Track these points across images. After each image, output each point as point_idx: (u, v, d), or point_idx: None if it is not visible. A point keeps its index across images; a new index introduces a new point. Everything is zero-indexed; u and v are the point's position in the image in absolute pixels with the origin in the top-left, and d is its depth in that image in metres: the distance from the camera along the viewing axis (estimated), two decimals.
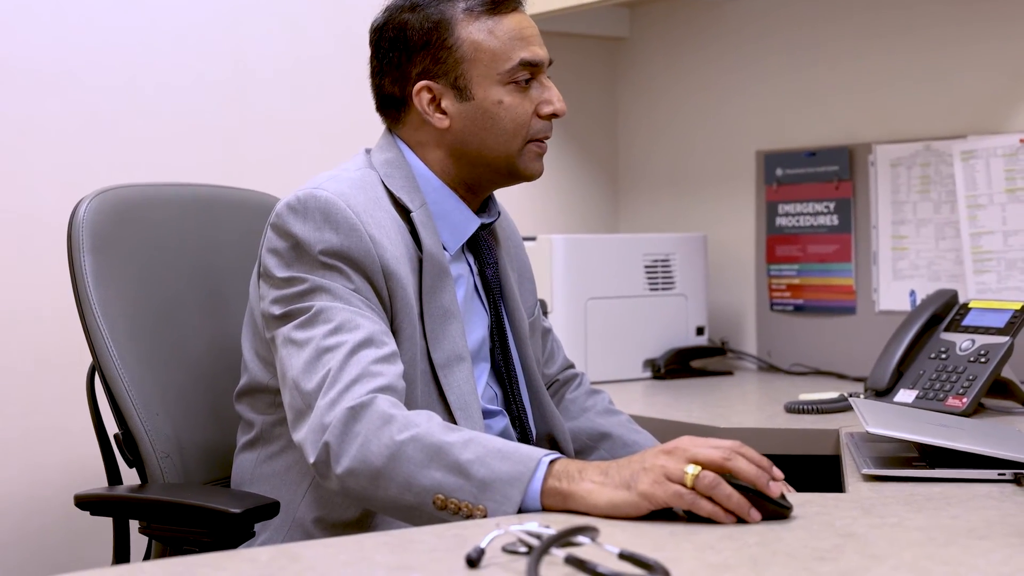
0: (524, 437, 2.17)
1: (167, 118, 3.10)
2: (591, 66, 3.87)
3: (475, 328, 2.13)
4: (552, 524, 1.44)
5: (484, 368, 2.15)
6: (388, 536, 1.58)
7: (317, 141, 3.29)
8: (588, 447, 2.35)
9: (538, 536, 1.40)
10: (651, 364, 3.29)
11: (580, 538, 1.39)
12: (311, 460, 1.80)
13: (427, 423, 1.76)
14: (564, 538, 1.37)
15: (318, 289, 1.92)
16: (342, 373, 1.83)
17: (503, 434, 2.13)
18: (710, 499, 1.58)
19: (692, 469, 1.59)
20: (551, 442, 2.23)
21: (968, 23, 3.06)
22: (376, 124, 2.19)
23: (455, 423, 1.99)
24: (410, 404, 1.94)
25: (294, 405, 1.87)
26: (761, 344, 3.46)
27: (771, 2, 3.49)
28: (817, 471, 2.42)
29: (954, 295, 2.73)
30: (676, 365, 3.31)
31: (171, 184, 2.44)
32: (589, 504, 1.63)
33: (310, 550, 1.53)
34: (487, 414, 2.11)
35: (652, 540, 1.51)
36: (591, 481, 1.64)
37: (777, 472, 1.63)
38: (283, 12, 3.28)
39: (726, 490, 1.57)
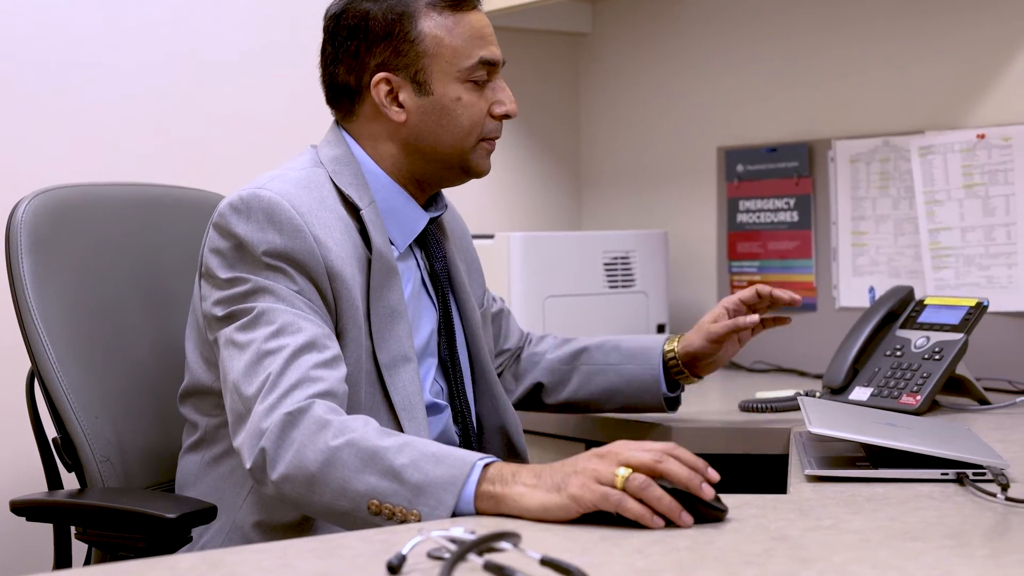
0: (466, 431, 2.17)
1: (116, 117, 3.06)
2: (553, 62, 3.84)
3: (424, 323, 2.13)
4: (481, 529, 1.41)
5: (432, 363, 2.14)
6: (315, 542, 1.56)
7: (271, 138, 3.26)
8: (568, 371, 2.44)
9: (461, 542, 1.37)
10: None
11: (503, 544, 1.37)
12: (248, 466, 1.79)
13: (363, 428, 1.74)
14: (483, 544, 1.34)
15: (261, 290, 1.90)
16: (281, 378, 1.81)
17: (445, 429, 2.13)
18: (641, 501, 1.55)
19: (623, 471, 1.57)
20: (503, 434, 2.23)
21: (926, 18, 3.04)
22: (327, 120, 2.17)
23: (399, 424, 1.99)
24: (354, 405, 1.94)
25: (234, 409, 1.85)
26: None
27: None
28: (769, 471, 2.39)
29: (910, 292, 2.71)
30: None
31: (114, 184, 2.41)
32: (521, 507, 1.61)
33: (233, 556, 1.50)
34: (432, 408, 2.10)
35: (581, 544, 1.49)
36: (523, 484, 1.63)
37: (712, 474, 1.61)
38: (237, 8, 3.24)
39: (656, 492, 1.55)
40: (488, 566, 1.31)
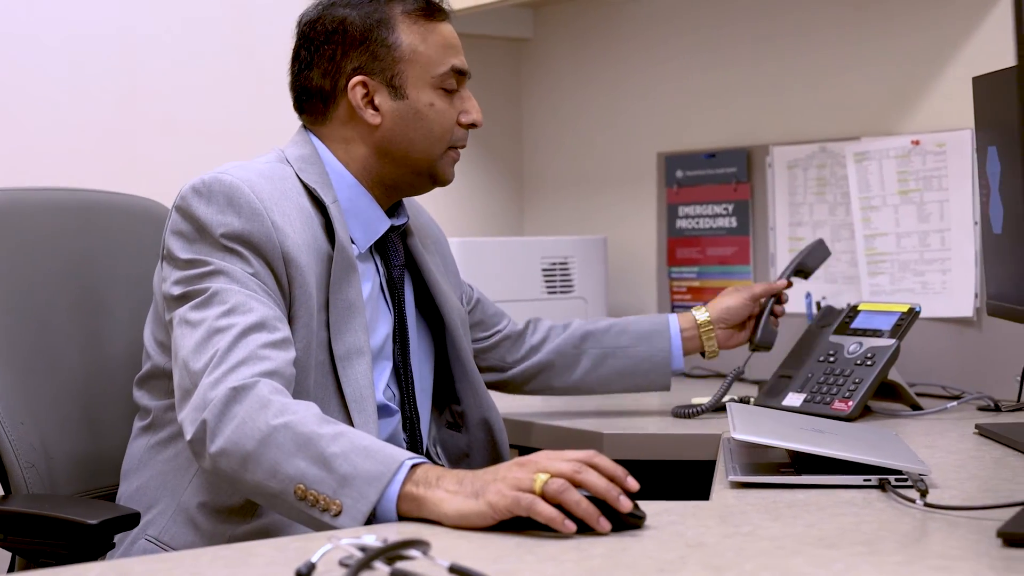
0: (413, 439, 2.19)
1: (47, 121, 3.04)
2: (495, 68, 3.84)
3: (380, 327, 2.15)
4: (396, 537, 1.40)
5: (386, 367, 2.16)
6: (228, 550, 1.55)
7: (209, 145, 3.24)
8: (577, 354, 2.57)
9: (371, 550, 1.36)
10: None
11: (411, 552, 1.35)
12: (188, 437, 1.81)
13: (304, 412, 1.76)
14: (390, 552, 1.33)
15: (217, 272, 1.94)
16: (229, 354, 1.84)
17: (393, 434, 2.15)
18: (561, 507, 1.54)
19: (542, 476, 1.56)
20: (485, 427, 2.28)
21: (862, 26, 3.05)
22: (273, 130, 2.23)
23: (349, 416, 2.02)
24: (303, 392, 1.97)
25: (182, 384, 1.88)
26: None
27: (672, 4, 3.47)
28: (701, 477, 2.39)
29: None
30: None
31: (45, 189, 2.39)
32: (439, 512, 1.61)
33: (141, 565, 1.49)
34: (383, 411, 2.12)
35: (494, 552, 1.48)
36: (445, 489, 1.63)
37: (631, 483, 1.60)
38: (174, 11, 3.22)
39: (574, 496, 1.54)
40: (395, 574, 1.30)
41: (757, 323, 2.60)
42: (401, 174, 2.16)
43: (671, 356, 2.56)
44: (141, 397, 2.15)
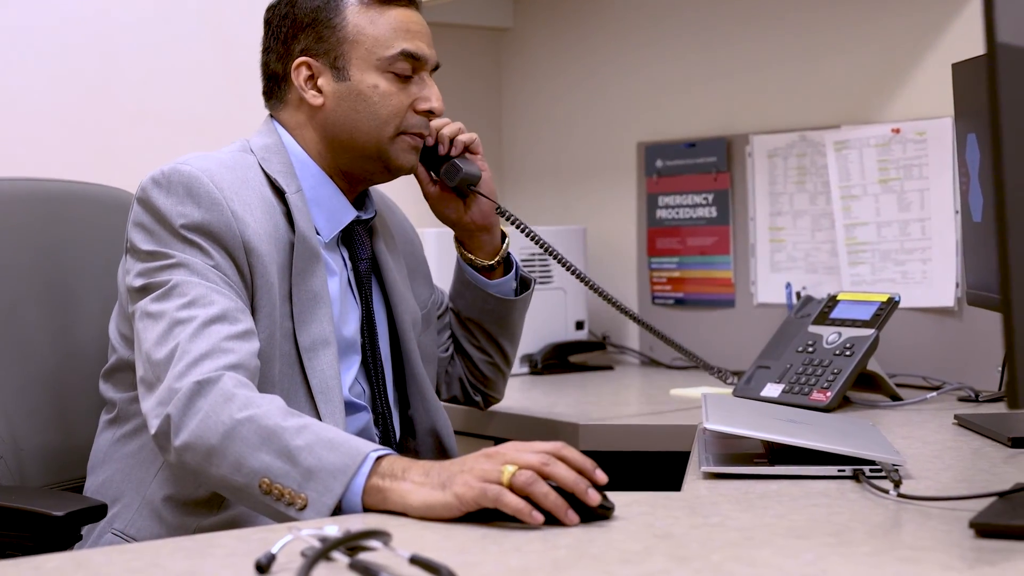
0: (387, 435, 2.17)
1: (16, 110, 3.00)
2: (475, 57, 3.81)
3: (348, 322, 2.13)
4: (357, 528, 1.37)
5: (355, 361, 2.14)
6: (190, 541, 1.53)
7: (179, 135, 3.20)
8: (459, 299, 2.43)
9: (329, 541, 1.33)
10: (528, 359, 3.23)
11: (372, 542, 1.33)
12: (152, 431, 1.80)
13: (267, 405, 1.75)
14: (350, 542, 1.30)
15: (177, 264, 1.93)
16: (191, 346, 1.83)
17: (364, 430, 2.13)
18: (529, 498, 1.52)
19: (510, 468, 1.54)
20: (434, 436, 2.24)
21: (841, 13, 3.03)
22: (247, 120, 2.21)
23: (316, 408, 2.00)
24: (268, 384, 1.96)
25: (145, 377, 1.87)
26: (643, 338, 3.41)
27: None
28: (678, 468, 2.37)
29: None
30: (554, 360, 3.26)
31: (14, 179, 2.36)
32: (405, 504, 1.59)
33: (100, 556, 1.46)
34: (351, 408, 2.10)
35: (459, 543, 1.46)
36: (411, 481, 1.61)
37: (600, 476, 1.58)
38: (151, 2, 3.19)
39: (542, 488, 1.52)
40: (354, 565, 1.27)
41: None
42: (352, 159, 2.12)
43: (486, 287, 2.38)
44: (107, 390, 2.14)
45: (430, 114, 2.15)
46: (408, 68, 2.11)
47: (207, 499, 1.97)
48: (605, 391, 3.00)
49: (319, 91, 2.10)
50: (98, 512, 1.93)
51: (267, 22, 2.17)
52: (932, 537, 1.45)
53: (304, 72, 2.10)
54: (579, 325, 3.37)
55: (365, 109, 2.10)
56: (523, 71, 3.81)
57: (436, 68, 2.17)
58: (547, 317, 3.26)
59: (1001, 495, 1.55)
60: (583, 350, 3.34)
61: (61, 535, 1.91)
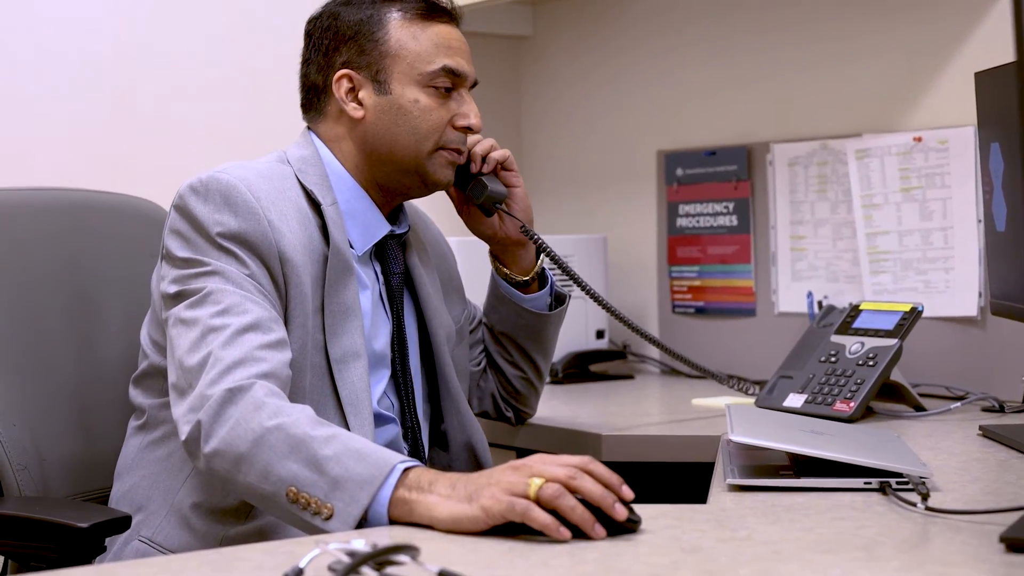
0: (416, 449, 2.17)
1: (39, 120, 3.01)
2: (495, 65, 3.81)
3: (379, 335, 2.14)
4: (387, 541, 1.37)
5: (384, 375, 2.14)
6: (216, 554, 1.53)
7: (202, 146, 3.21)
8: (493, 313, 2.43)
9: (358, 556, 1.33)
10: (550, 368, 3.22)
11: (400, 557, 1.33)
12: (183, 437, 1.81)
13: (297, 414, 1.75)
14: (378, 557, 1.30)
15: (213, 272, 1.94)
16: (224, 354, 1.84)
17: (393, 442, 2.13)
18: (556, 512, 1.52)
19: (537, 481, 1.54)
20: (469, 450, 2.25)
21: (863, 21, 3.02)
22: (267, 130, 2.15)
23: (345, 419, 2.00)
24: (299, 394, 1.96)
25: (177, 383, 1.88)
26: None
27: (670, 2, 3.44)
28: (701, 479, 2.36)
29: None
30: (575, 369, 3.25)
31: (36, 188, 2.37)
32: (432, 517, 1.59)
33: (127, 570, 1.46)
34: (380, 420, 2.10)
35: (486, 557, 1.45)
36: (437, 494, 1.61)
37: (626, 491, 1.57)
38: (170, 9, 3.19)
39: (570, 501, 1.52)
40: None
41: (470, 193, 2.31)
42: (389, 173, 2.13)
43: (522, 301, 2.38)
44: (136, 396, 2.14)
45: (468, 130, 2.16)
46: (448, 83, 2.13)
47: (235, 508, 1.97)
48: (626, 401, 3.00)
49: (360, 104, 2.11)
50: (122, 523, 1.93)
51: (308, 34, 2.19)
52: (962, 552, 1.44)
53: (345, 84, 2.11)
54: (599, 334, 3.37)
55: (405, 123, 2.11)
56: (543, 79, 3.81)
57: (474, 85, 2.19)
58: (568, 326, 3.20)
59: None
60: (603, 359, 3.34)
61: (85, 546, 1.91)
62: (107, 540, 1.98)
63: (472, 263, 2.62)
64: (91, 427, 2.25)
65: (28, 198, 2.31)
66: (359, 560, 1.28)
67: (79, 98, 3.07)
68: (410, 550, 1.33)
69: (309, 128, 2.19)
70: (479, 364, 2.46)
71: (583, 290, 2.39)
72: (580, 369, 3.27)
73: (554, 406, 2.79)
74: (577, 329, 3.29)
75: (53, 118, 3.03)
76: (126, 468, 2.12)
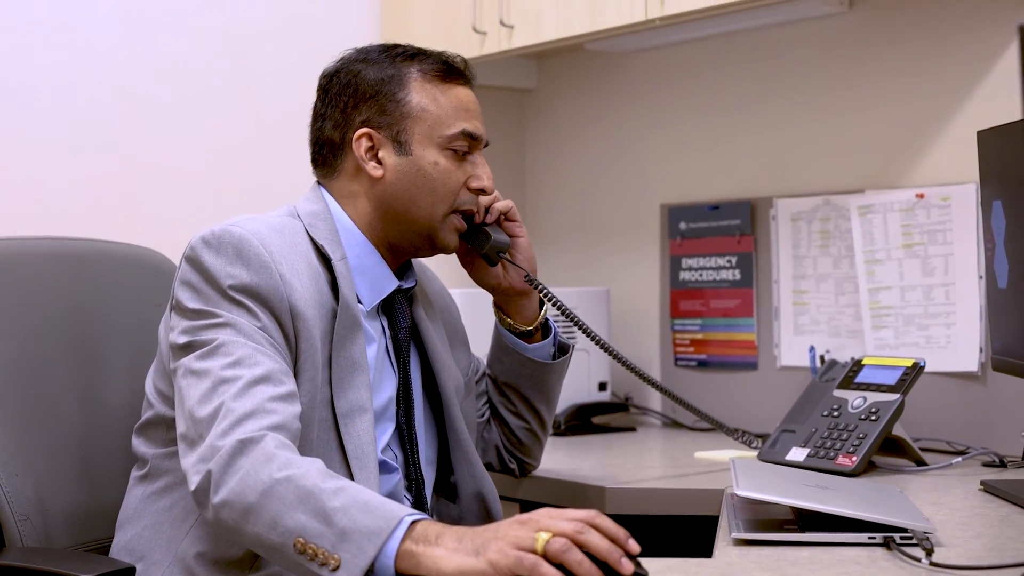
0: (419, 501, 2.17)
1: (43, 169, 3.02)
2: (499, 117, 3.83)
3: (385, 388, 2.15)
4: None
5: (388, 428, 2.15)
6: None
7: (207, 197, 3.23)
8: (497, 364, 2.44)
9: None
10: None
11: None
12: (192, 487, 1.81)
13: (308, 467, 1.76)
14: None
15: (224, 324, 1.95)
16: (236, 405, 1.84)
17: (395, 491, 2.13)
18: (562, 567, 1.53)
19: (544, 535, 1.54)
20: (480, 500, 2.25)
21: (866, 78, 3.05)
22: (271, 181, 2.16)
23: (350, 472, 2.01)
24: (305, 447, 1.97)
25: (187, 434, 1.88)
26: (665, 400, 3.41)
27: (673, 55, 3.47)
28: (703, 532, 2.37)
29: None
30: (577, 421, 3.26)
31: (39, 238, 2.38)
32: (438, 570, 1.60)
33: None
34: (383, 467, 2.11)
35: None
36: (444, 547, 1.62)
37: (633, 545, 1.58)
38: (175, 59, 3.22)
39: (577, 556, 1.53)
40: None
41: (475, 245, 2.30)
42: (402, 233, 2.15)
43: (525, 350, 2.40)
44: (139, 445, 2.14)
45: (481, 192, 2.19)
46: (466, 147, 2.16)
47: (240, 558, 1.97)
48: (629, 453, 3.01)
49: (380, 163, 2.13)
50: (127, 575, 1.94)
51: (323, 89, 2.20)
52: None
53: (365, 143, 2.13)
54: (602, 386, 3.38)
55: (425, 184, 2.13)
56: (547, 132, 3.83)
57: (486, 146, 2.21)
58: (570, 378, 3.20)
59: None
60: (606, 411, 3.34)
61: None
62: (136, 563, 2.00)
63: (474, 315, 2.62)
64: (94, 477, 2.25)
65: (32, 247, 2.32)
66: None
67: (84, 148, 3.09)
68: None
69: (319, 183, 2.20)
70: (483, 415, 2.46)
71: (588, 336, 2.40)
72: (582, 421, 3.27)
73: (557, 458, 2.79)
74: (580, 381, 3.30)
75: (58, 167, 3.05)
76: (128, 518, 2.12)
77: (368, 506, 1.67)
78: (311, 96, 2.25)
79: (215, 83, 3.28)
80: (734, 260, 3.28)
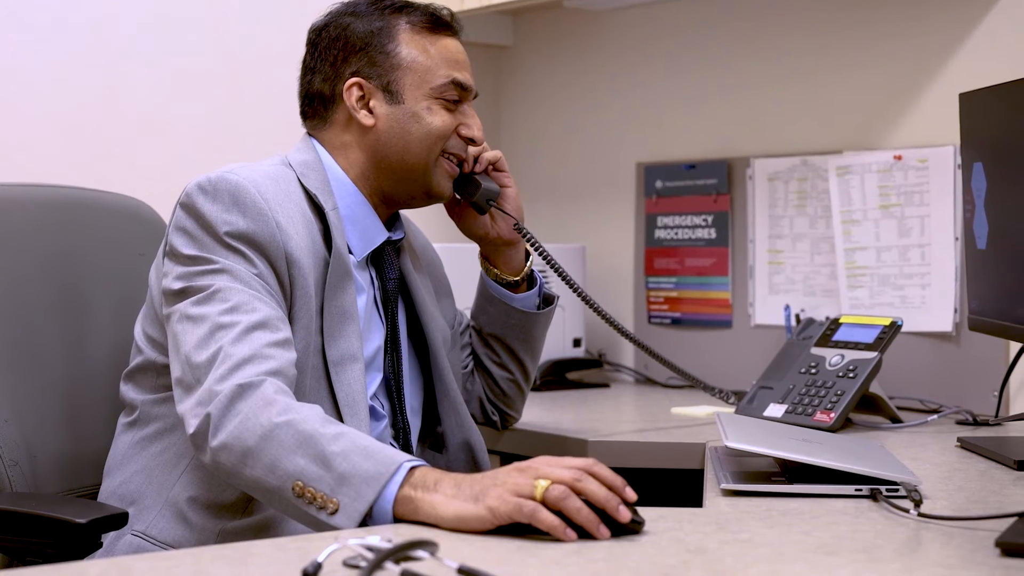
0: (406, 449, 2.19)
1: (26, 117, 3.01)
2: (475, 74, 3.82)
3: (373, 338, 2.17)
4: (398, 538, 1.40)
5: (376, 378, 2.17)
6: (229, 549, 1.55)
7: (188, 146, 3.22)
8: (482, 315, 2.46)
9: (378, 551, 1.36)
10: None
11: (419, 552, 1.36)
12: (190, 431, 1.83)
13: (307, 412, 1.78)
14: (400, 552, 1.33)
15: (220, 270, 1.96)
16: (234, 350, 1.86)
17: (381, 440, 2.12)
18: (560, 513, 1.55)
19: (543, 483, 1.57)
20: (467, 450, 2.28)
21: (845, 40, 3.07)
22: (251, 130, 2.16)
23: (341, 419, 2.03)
24: (299, 394, 1.98)
25: (184, 379, 1.89)
26: (639, 357, 3.44)
27: (652, 14, 3.48)
28: (685, 485, 2.40)
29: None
30: (552, 377, 3.29)
31: (26, 184, 2.37)
32: (436, 515, 1.61)
33: (143, 563, 1.49)
34: (371, 416, 2.13)
35: (497, 555, 1.48)
36: (443, 493, 1.63)
37: (630, 493, 1.61)
38: (154, 7, 3.20)
39: (575, 503, 1.55)
40: (405, 574, 1.30)
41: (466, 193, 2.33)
42: (397, 182, 2.17)
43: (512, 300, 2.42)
44: (128, 391, 2.15)
45: (471, 141, 2.22)
46: (456, 96, 2.18)
47: (233, 502, 1.99)
48: (606, 408, 3.04)
49: (371, 112, 2.15)
50: (119, 520, 1.95)
51: (312, 43, 2.22)
52: (959, 556, 1.48)
53: (356, 93, 2.15)
54: (576, 342, 3.40)
55: (418, 130, 2.15)
56: (522, 89, 3.84)
57: (475, 97, 2.24)
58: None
59: (1022, 515, 1.59)
60: (580, 367, 3.38)
61: (82, 542, 1.93)
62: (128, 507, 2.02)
63: (457, 270, 2.64)
64: (81, 424, 2.26)
65: (17, 194, 2.31)
66: (384, 555, 1.30)
67: (67, 97, 3.07)
68: (429, 545, 1.36)
69: (310, 134, 2.21)
70: (467, 367, 2.49)
71: (571, 288, 2.43)
72: (557, 377, 3.30)
73: (535, 412, 2.82)
74: (555, 337, 3.31)
75: (41, 117, 3.04)
76: (117, 464, 2.13)
77: (367, 451, 1.69)
78: (292, 47, 2.27)
79: (192, 34, 3.27)
80: (710, 219, 3.31)
